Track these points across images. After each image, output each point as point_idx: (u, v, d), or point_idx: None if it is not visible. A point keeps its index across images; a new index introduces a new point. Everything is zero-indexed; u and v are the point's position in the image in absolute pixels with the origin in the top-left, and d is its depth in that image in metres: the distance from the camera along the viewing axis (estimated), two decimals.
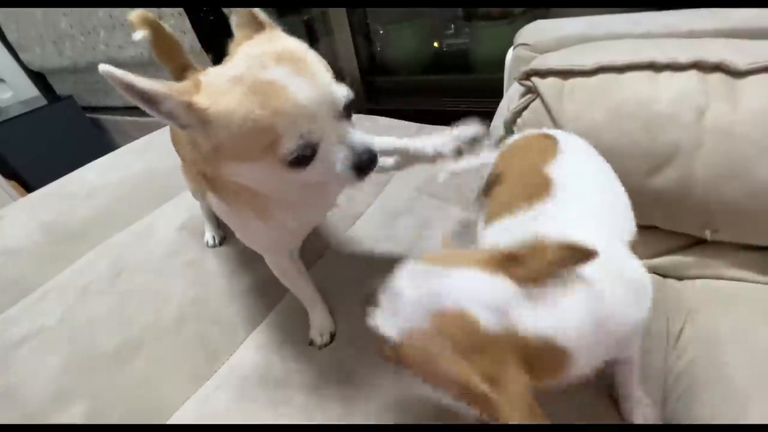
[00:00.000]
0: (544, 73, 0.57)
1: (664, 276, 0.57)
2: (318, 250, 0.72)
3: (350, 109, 0.38)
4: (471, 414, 0.28)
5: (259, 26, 0.39)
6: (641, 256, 0.57)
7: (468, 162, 0.51)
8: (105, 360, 0.58)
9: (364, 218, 0.79)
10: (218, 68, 0.37)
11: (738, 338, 0.45)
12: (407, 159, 0.55)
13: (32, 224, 0.92)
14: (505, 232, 0.38)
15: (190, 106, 0.33)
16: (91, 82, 1.98)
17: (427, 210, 0.75)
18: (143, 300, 0.67)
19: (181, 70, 0.56)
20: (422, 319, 0.29)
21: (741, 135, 0.45)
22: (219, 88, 0.34)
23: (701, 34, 0.57)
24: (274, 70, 0.34)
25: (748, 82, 0.46)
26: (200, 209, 0.77)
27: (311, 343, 0.55)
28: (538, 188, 0.38)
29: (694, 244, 0.56)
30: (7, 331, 0.67)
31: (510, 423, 0.25)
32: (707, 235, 0.52)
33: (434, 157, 0.51)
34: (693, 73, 0.49)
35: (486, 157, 0.51)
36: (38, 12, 1.74)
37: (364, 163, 0.36)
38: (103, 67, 0.31)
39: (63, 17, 1.68)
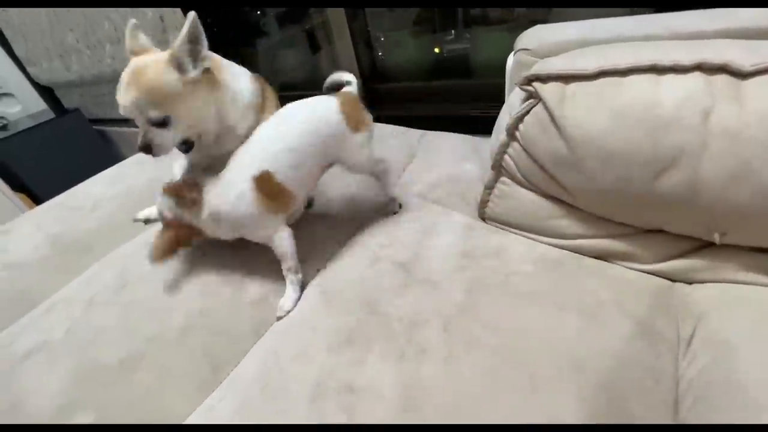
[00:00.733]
0: (545, 78, 0.57)
1: (673, 280, 0.56)
2: (325, 257, 0.73)
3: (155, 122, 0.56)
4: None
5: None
6: (650, 260, 0.57)
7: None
8: (111, 372, 0.58)
9: (366, 226, 0.79)
10: None
11: (750, 343, 0.44)
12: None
13: (39, 237, 0.93)
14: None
15: None
16: (97, 95, 2.01)
17: (431, 216, 0.75)
18: (148, 311, 0.67)
19: None
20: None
21: (747, 136, 0.45)
22: None
23: (705, 35, 0.56)
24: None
25: (753, 83, 0.45)
26: None
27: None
28: None
29: (703, 247, 0.55)
30: (14, 343, 0.68)
31: None
32: (716, 238, 0.51)
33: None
34: (697, 75, 0.48)
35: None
36: (45, 27, 1.77)
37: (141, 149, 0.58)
38: None
39: (69, 32, 1.71)
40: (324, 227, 0.79)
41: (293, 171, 0.62)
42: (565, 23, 0.72)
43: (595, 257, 0.61)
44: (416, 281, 0.61)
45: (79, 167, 1.53)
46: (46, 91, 2.22)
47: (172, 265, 0.76)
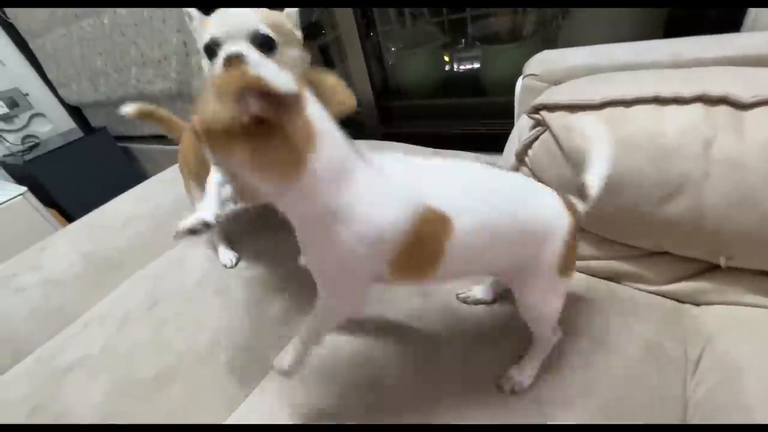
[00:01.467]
0: (552, 107, 0.59)
1: (681, 301, 0.58)
2: None
3: None
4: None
5: None
6: (658, 282, 0.59)
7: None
8: (145, 387, 0.62)
9: None
10: None
11: (758, 366, 0.46)
12: None
13: (73, 254, 0.99)
14: None
15: None
16: (120, 114, 2.10)
17: None
18: (178, 328, 0.71)
19: None
20: None
21: (749, 166, 0.47)
22: None
23: (707, 62, 0.58)
24: None
25: (753, 115, 0.47)
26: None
27: None
28: None
29: (711, 269, 0.56)
30: (54, 358, 0.73)
31: None
32: (722, 262, 0.53)
33: None
34: (698, 106, 0.50)
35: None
36: (76, 52, 1.88)
37: None
38: None
39: (99, 56, 1.81)
40: None
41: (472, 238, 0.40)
42: (571, 49, 0.75)
43: (604, 278, 0.63)
44: (431, 305, 0.64)
45: (107, 183, 1.62)
46: (74, 111, 2.34)
47: (199, 284, 0.80)
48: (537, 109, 0.61)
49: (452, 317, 0.62)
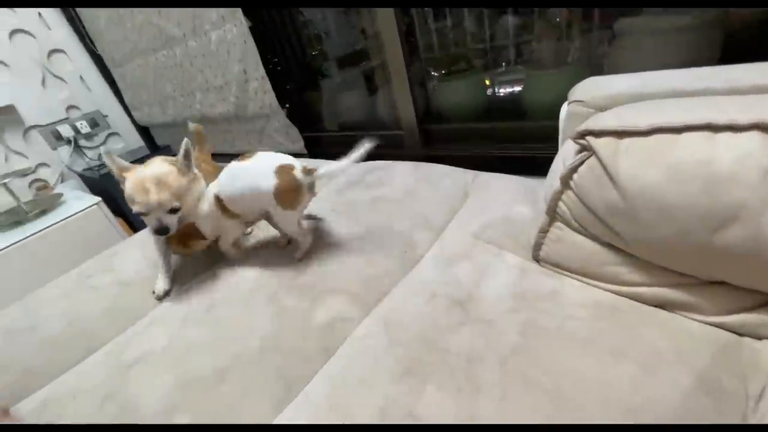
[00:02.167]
0: (598, 133, 0.60)
1: (740, 334, 0.55)
2: (382, 290, 0.79)
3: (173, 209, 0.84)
4: None
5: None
6: (714, 312, 0.57)
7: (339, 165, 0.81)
8: (203, 382, 0.68)
9: (423, 262, 0.85)
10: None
11: None
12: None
13: (141, 260, 1.09)
14: None
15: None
16: (183, 134, 2.31)
17: (485, 256, 0.79)
18: (232, 331, 0.77)
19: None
20: None
21: None
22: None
23: (765, 89, 0.57)
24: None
25: None
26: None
27: None
28: None
29: None
30: (123, 353, 0.81)
31: None
32: None
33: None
34: (754, 134, 0.49)
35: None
36: (150, 80, 2.11)
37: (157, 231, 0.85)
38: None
39: (168, 83, 2.02)
40: (383, 259, 0.86)
41: (233, 203, 0.87)
42: (619, 76, 0.76)
43: (654, 305, 0.61)
44: (471, 319, 0.65)
45: None
46: (143, 131, 2.60)
47: (250, 290, 0.86)
48: (583, 135, 0.63)
49: None
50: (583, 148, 0.63)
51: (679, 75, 0.69)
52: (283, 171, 0.81)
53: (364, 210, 1.04)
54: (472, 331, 0.63)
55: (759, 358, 0.51)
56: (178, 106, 2.09)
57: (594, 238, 0.68)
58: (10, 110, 2.10)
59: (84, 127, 2.30)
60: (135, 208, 0.83)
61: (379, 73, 1.66)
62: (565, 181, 0.66)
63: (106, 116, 2.44)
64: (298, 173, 0.82)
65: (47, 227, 1.75)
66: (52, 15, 2.22)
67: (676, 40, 0.98)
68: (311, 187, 0.86)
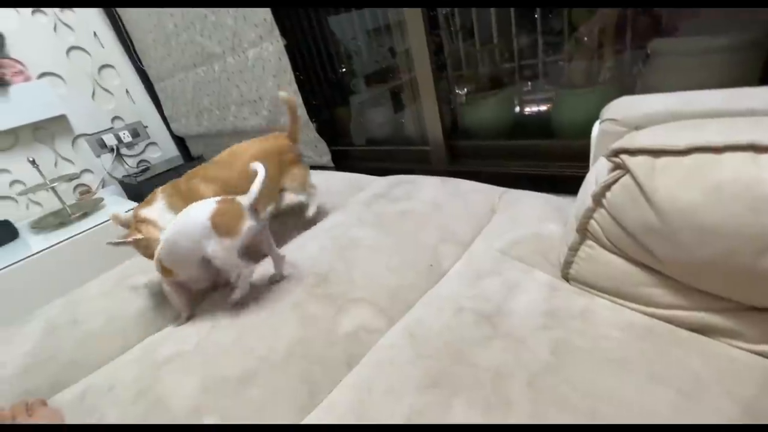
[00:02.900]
0: (633, 152, 0.60)
1: None
2: (408, 302, 0.79)
3: None
4: None
5: None
6: (757, 340, 0.54)
7: None
8: (230, 384, 0.69)
9: (450, 276, 0.85)
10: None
11: None
12: None
13: None
14: None
15: None
16: (216, 144, 2.42)
17: (513, 273, 0.78)
18: (259, 336, 0.78)
19: None
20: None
21: None
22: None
23: None
24: None
25: None
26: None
27: None
28: None
29: None
30: (155, 351, 0.84)
31: None
32: None
33: None
34: None
35: None
36: (189, 93, 2.23)
37: None
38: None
39: (206, 96, 2.13)
40: (408, 271, 0.87)
41: (171, 257, 0.84)
42: (654, 95, 0.75)
43: (691, 330, 0.59)
44: (500, 335, 0.65)
45: None
46: (179, 141, 2.74)
47: (275, 297, 0.88)
48: (617, 153, 0.62)
49: None
50: (617, 166, 0.63)
51: (717, 95, 0.68)
52: (225, 200, 0.80)
53: (390, 222, 1.05)
54: (501, 347, 0.62)
55: None
56: (213, 119, 2.19)
57: (627, 257, 0.67)
58: (62, 120, 2.27)
59: (126, 136, 2.44)
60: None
61: (407, 89, 1.70)
62: (598, 199, 0.66)
63: (147, 127, 2.59)
64: (242, 199, 0.79)
65: (89, 229, 1.86)
66: (107, 34, 2.41)
67: (713, 61, 0.96)
68: (254, 215, 0.80)
